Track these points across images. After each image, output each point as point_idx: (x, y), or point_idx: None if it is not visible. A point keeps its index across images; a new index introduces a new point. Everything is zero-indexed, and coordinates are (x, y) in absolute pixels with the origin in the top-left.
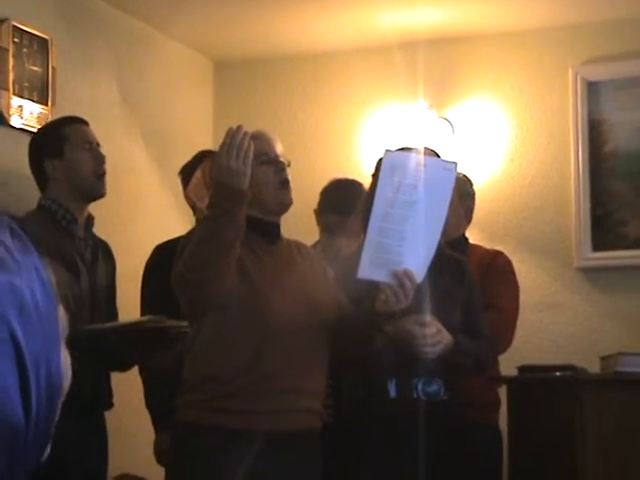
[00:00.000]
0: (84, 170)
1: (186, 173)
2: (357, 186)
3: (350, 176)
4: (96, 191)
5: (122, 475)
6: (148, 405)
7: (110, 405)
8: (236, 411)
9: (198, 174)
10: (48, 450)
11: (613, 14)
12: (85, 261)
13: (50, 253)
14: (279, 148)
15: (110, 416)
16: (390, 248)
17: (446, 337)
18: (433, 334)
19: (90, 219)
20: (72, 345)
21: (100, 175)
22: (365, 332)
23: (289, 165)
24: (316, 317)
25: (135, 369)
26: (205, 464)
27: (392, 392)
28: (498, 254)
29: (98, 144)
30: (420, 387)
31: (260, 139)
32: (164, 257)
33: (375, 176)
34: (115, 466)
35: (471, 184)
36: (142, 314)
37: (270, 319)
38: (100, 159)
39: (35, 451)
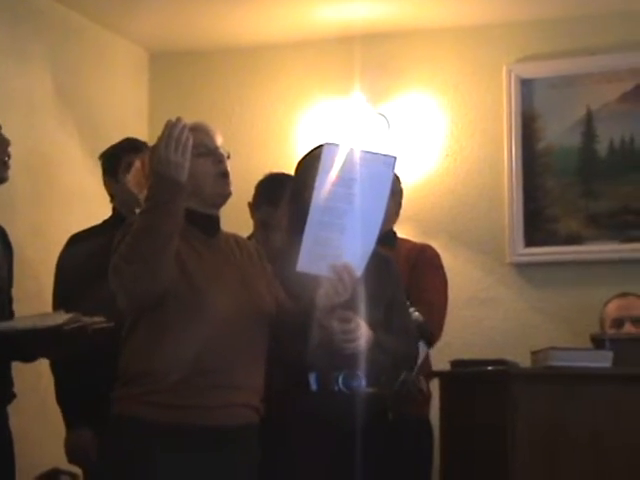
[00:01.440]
0: None
1: (107, 159)
2: (289, 179)
3: (286, 170)
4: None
5: (52, 470)
6: (59, 401)
7: (12, 397)
8: (171, 406)
9: (137, 164)
10: None
11: (547, 13)
12: None
13: None
14: (219, 140)
15: (42, 408)
16: (329, 241)
17: (366, 333)
18: (352, 329)
19: None
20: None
21: (4, 161)
22: (304, 327)
23: (229, 157)
24: (255, 312)
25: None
26: (139, 458)
27: (313, 385)
28: (426, 247)
29: (0, 127)
30: (341, 380)
31: (199, 130)
32: (77, 247)
33: (305, 165)
34: (46, 461)
35: (399, 180)
36: (54, 305)
37: (208, 314)
38: (4, 143)
39: None
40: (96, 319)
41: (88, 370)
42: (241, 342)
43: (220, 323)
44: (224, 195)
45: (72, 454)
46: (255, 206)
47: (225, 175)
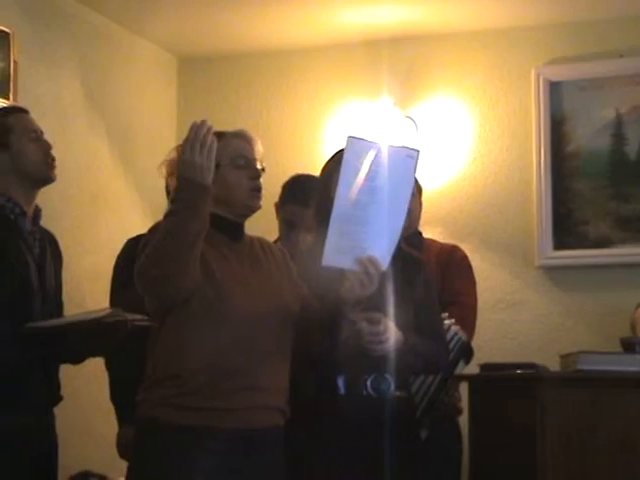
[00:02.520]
0: (33, 159)
1: None
2: (315, 180)
3: (313, 172)
4: (47, 177)
5: (82, 473)
6: (112, 398)
7: (59, 399)
8: (197, 408)
9: (173, 154)
10: None
11: (575, 16)
12: (34, 255)
13: None
14: (258, 151)
15: (70, 411)
16: (354, 235)
17: (395, 335)
18: (381, 331)
19: (37, 211)
20: (27, 340)
21: (49, 163)
22: (331, 323)
23: (264, 171)
24: (279, 313)
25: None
26: (165, 461)
27: (341, 388)
28: (455, 249)
29: (42, 132)
30: (369, 384)
31: (241, 139)
32: (134, 250)
33: (329, 163)
34: (74, 463)
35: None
36: (112, 300)
37: (233, 316)
38: (47, 147)
39: None
40: (137, 316)
41: (140, 369)
42: (265, 343)
43: (244, 325)
44: (254, 209)
45: (123, 449)
46: (280, 205)
47: (257, 190)
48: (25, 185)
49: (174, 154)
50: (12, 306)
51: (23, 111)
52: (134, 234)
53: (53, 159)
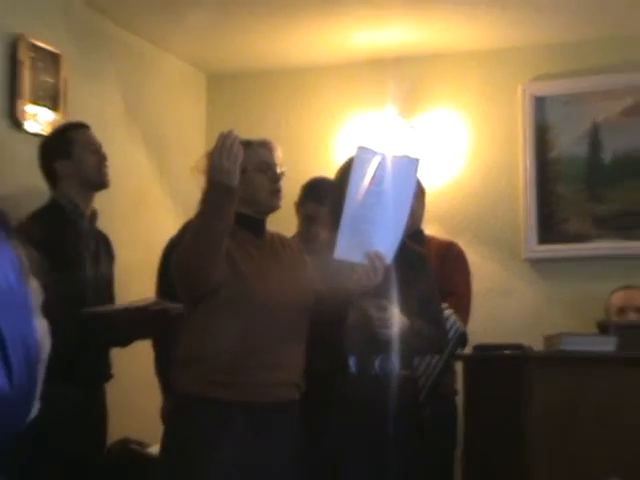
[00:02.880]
0: (91, 167)
1: None
2: (330, 182)
3: (327, 175)
4: (103, 182)
5: (123, 439)
6: (157, 374)
7: (109, 377)
8: (225, 384)
9: (204, 157)
10: (36, 410)
11: (557, 37)
12: (89, 251)
13: (53, 244)
14: (278, 157)
15: (117, 387)
16: (362, 232)
17: (401, 321)
18: (387, 317)
19: (94, 214)
20: (83, 324)
21: (104, 171)
22: (340, 309)
23: (283, 174)
24: (295, 300)
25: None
26: (196, 432)
27: (352, 367)
28: (453, 244)
29: (100, 145)
30: (377, 364)
31: (264, 147)
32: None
33: (343, 171)
34: (117, 432)
35: (421, 184)
36: (158, 291)
37: (255, 303)
38: (104, 158)
39: (20, 409)
40: (177, 305)
41: None
42: (283, 326)
43: (266, 312)
44: (274, 208)
45: (165, 419)
46: (300, 203)
47: (278, 191)
48: (84, 189)
49: (204, 160)
50: (70, 295)
51: (85, 126)
52: (168, 231)
53: (107, 168)
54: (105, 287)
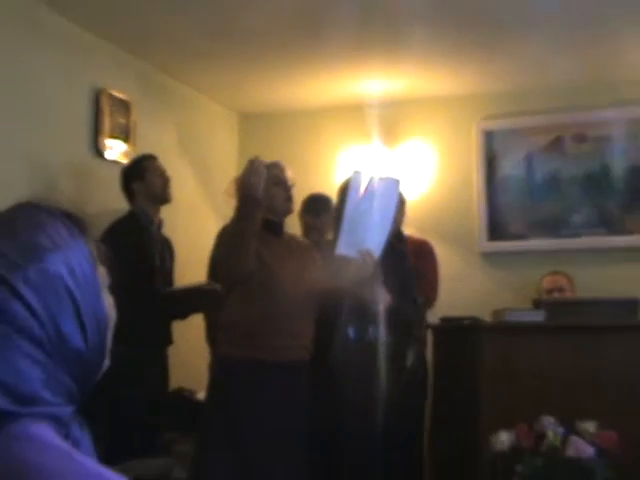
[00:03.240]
0: (158, 187)
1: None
2: (324, 197)
3: (326, 191)
4: (166, 199)
5: (179, 388)
6: (207, 337)
7: (171, 342)
8: (251, 345)
9: (231, 184)
10: (106, 365)
11: (502, 87)
12: (157, 249)
13: (131, 244)
14: (289, 173)
15: (172, 349)
16: (357, 235)
17: (387, 298)
18: (377, 297)
19: (160, 222)
20: (155, 301)
21: (167, 191)
22: (341, 293)
23: (294, 185)
24: (307, 285)
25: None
26: (235, 385)
27: (352, 335)
28: (424, 243)
29: (165, 170)
30: (370, 332)
31: (276, 167)
32: None
33: (342, 189)
34: (174, 382)
35: (403, 197)
36: (208, 276)
37: (277, 287)
38: (167, 180)
39: (94, 365)
40: (219, 286)
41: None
42: (297, 304)
43: (284, 294)
44: (289, 211)
45: None
46: (300, 215)
47: (290, 199)
48: (153, 204)
49: (232, 183)
50: (148, 281)
51: (154, 157)
52: (210, 234)
53: (170, 188)
54: (167, 276)
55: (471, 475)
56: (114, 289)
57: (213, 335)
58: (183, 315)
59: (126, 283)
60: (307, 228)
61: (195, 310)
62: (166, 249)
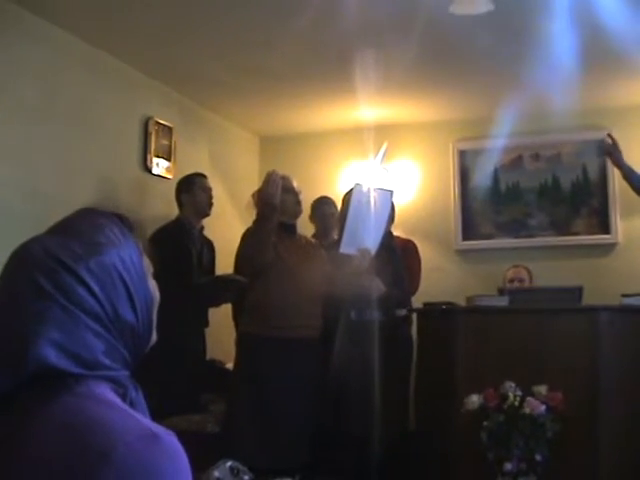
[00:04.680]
0: (202, 202)
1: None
2: (329, 200)
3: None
4: (207, 213)
5: (212, 359)
6: (233, 318)
7: (207, 324)
8: (269, 325)
9: (251, 198)
10: (154, 339)
11: (475, 114)
12: (196, 249)
13: (176, 244)
14: (295, 183)
15: (208, 330)
16: (357, 235)
17: (381, 287)
18: (374, 286)
19: (202, 228)
20: (194, 290)
21: (209, 205)
22: (342, 282)
23: (300, 192)
24: (314, 276)
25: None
26: (255, 358)
27: (353, 316)
28: (409, 241)
29: (210, 188)
30: (368, 313)
31: (286, 179)
32: None
33: (345, 198)
34: (209, 354)
35: (393, 204)
36: (235, 270)
37: (290, 278)
38: (210, 197)
39: (145, 338)
40: (243, 278)
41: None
42: (307, 291)
43: (296, 282)
44: (299, 214)
45: None
46: (313, 211)
47: (299, 203)
48: (197, 215)
49: (251, 197)
50: (186, 274)
51: (203, 176)
52: (235, 236)
53: (212, 204)
54: (208, 270)
55: (449, 428)
56: (160, 280)
57: (237, 316)
58: (215, 302)
59: (169, 276)
60: (324, 219)
61: (224, 298)
62: (205, 249)
